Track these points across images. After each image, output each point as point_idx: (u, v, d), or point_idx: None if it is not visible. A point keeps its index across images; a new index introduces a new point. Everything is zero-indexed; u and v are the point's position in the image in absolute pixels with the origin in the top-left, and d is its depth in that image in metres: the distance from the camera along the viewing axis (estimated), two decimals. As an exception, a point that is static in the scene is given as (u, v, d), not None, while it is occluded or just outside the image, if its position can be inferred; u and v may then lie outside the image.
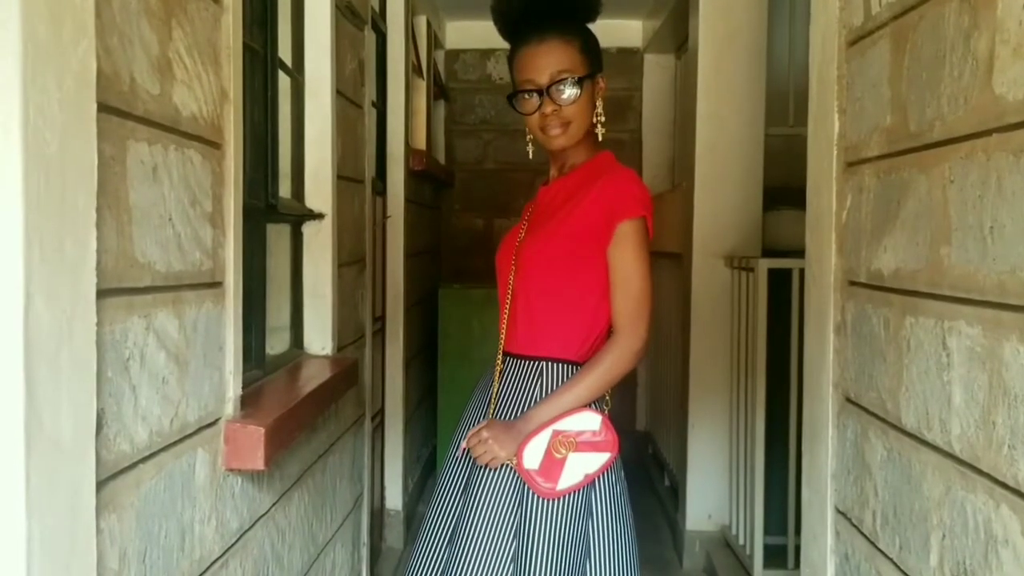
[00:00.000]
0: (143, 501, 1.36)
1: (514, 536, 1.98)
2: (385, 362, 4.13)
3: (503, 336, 2.09)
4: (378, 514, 3.99)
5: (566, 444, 1.96)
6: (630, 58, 5.99)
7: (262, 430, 1.71)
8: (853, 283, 1.96)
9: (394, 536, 4.15)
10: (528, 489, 1.98)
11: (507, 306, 2.08)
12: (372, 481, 3.60)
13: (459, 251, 5.80)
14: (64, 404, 1.08)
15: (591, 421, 1.99)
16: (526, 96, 2.04)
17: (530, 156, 2.13)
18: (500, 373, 2.08)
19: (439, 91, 5.72)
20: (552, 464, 1.96)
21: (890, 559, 1.74)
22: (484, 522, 1.99)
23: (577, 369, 2.01)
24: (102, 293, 1.20)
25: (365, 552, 3.28)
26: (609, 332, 2.05)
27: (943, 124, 1.55)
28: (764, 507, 3.59)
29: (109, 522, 1.25)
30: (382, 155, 4.10)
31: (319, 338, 2.66)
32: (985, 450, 1.39)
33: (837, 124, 2.05)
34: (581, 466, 1.98)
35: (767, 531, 3.62)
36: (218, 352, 1.69)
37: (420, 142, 4.80)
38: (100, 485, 1.20)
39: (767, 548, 3.61)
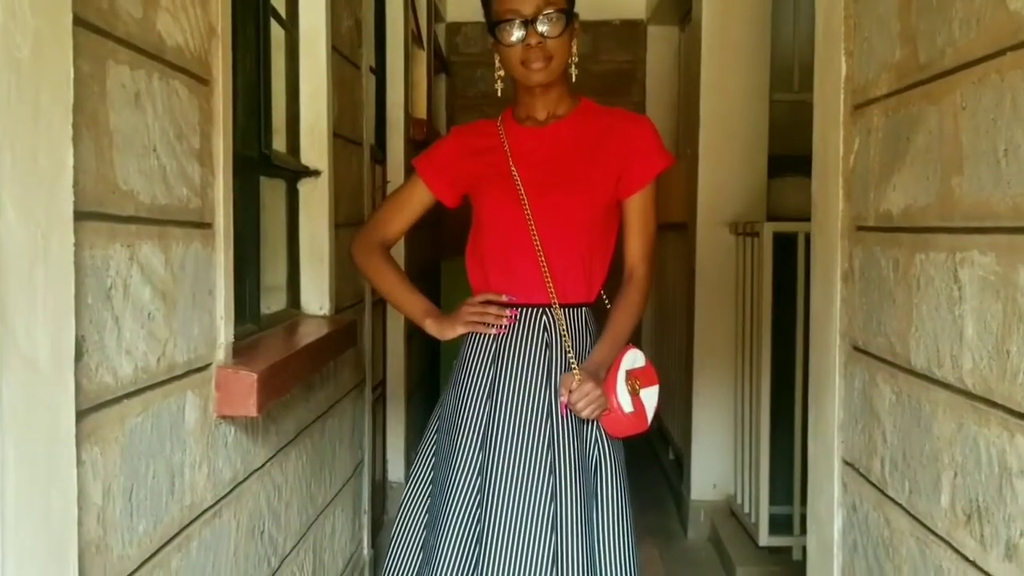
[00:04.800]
0: (128, 438, 1.32)
1: (552, 528, 1.92)
2: (386, 333, 4.10)
3: (552, 289, 2.00)
4: (380, 486, 3.96)
5: (636, 382, 2.00)
6: (633, 30, 5.94)
7: (254, 375, 1.67)
8: (861, 228, 1.91)
9: (396, 509, 4.11)
10: (566, 464, 1.94)
11: (540, 261, 2.00)
12: (373, 452, 3.57)
13: (461, 225, 5.73)
14: (40, 324, 1.04)
15: (639, 357, 2.05)
16: (508, 27, 1.98)
17: (499, 94, 2.09)
18: (556, 325, 2.01)
19: (440, 64, 5.67)
20: (637, 404, 1.99)
21: (899, 505, 1.69)
22: (518, 510, 1.92)
23: (590, 310, 2.07)
24: (82, 216, 1.16)
25: (366, 520, 3.24)
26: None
27: (955, 50, 1.50)
28: (769, 477, 3.55)
29: (91, 454, 1.21)
30: (381, 124, 4.05)
31: (316, 298, 2.61)
32: (999, 381, 1.34)
33: (844, 67, 2.00)
34: (650, 400, 2.04)
35: (772, 501, 3.58)
36: (208, 296, 1.64)
37: (421, 112, 4.75)
38: (81, 415, 1.16)
39: (772, 518, 3.57)
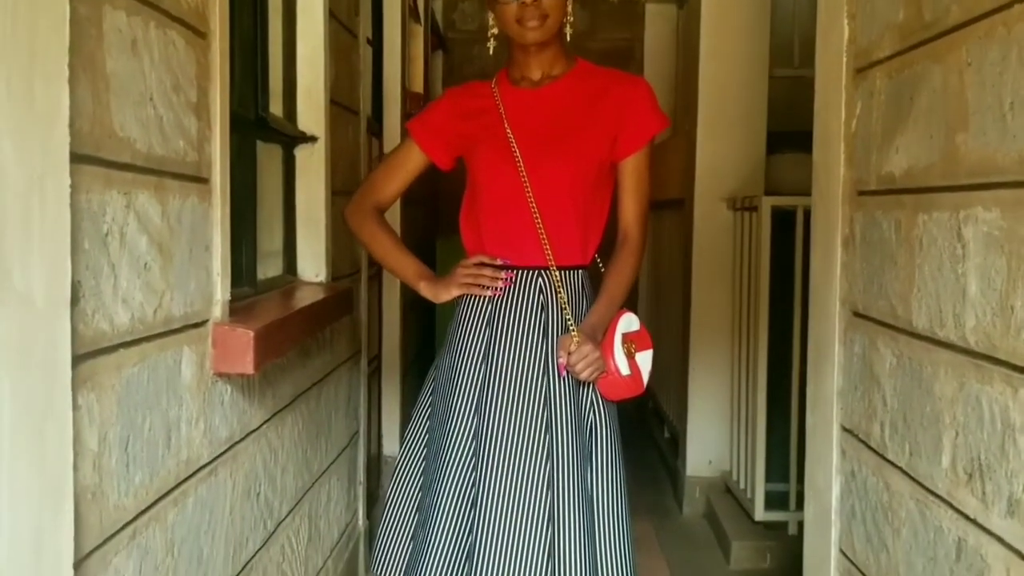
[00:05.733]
0: (125, 387, 1.30)
1: (547, 489, 1.92)
2: (382, 308, 4.08)
3: (548, 251, 1.99)
4: (375, 461, 3.95)
5: (632, 345, 2.00)
6: (631, 8, 5.91)
7: (251, 333, 1.65)
8: (862, 193, 1.90)
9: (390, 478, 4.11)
10: (562, 423, 1.93)
11: (536, 223, 1.98)
12: (369, 426, 3.56)
13: (457, 201, 5.71)
14: (35, 263, 1.02)
15: (634, 321, 2.04)
16: None
17: (490, 52, 2.06)
18: (552, 287, 2.00)
19: (437, 41, 5.64)
20: (633, 367, 1.99)
21: (899, 468, 1.69)
22: (514, 483, 1.91)
23: (586, 272, 2.06)
24: (78, 158, 1.14)
25: (362, 491, 3.24)
26: None
27: (960, 6, 1.48)
28: (766, 453, 3.55)
29: (88, 400, 1.19)
30: (378, 97, 4.03)
31: (313, 264, 2.60)
32: (1003, 337, 1.33)
33: (847, 30, 1.98)
34: (646, 364, 2.04)
35: (768, 479, 3.58)
36: (204, 252, 1.63)
37: (418, 87, 4.73)
38: (78, 360, 1.15)
39: (768, 495, 3.57)
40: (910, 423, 1.65)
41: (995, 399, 1.35)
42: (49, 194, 1.05)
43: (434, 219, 5.32)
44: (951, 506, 1.47)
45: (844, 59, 1.99)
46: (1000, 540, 1.32)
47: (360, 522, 3.23)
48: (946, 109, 1.53)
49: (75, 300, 1.14)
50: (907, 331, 1.66)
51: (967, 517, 1.42)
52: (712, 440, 4.08)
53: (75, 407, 1.14)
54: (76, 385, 1.14)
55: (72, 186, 1.11)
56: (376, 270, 3.91)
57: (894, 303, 1.72)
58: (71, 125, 1.10)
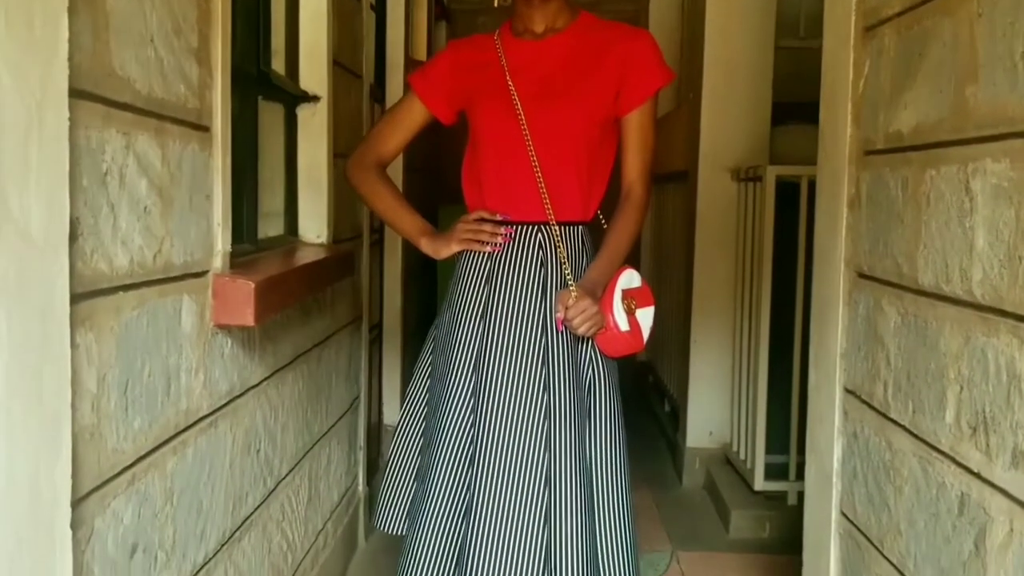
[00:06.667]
0: (124, 329, 1.29)
1: (546, 448, 1.91)
2: (384, 276, 4.07)
3: (548, 206, 1.97)
4: (375, 429, 3.95)
5: (632, 301, 1.98)
6: (637, -21, 5.86)
7: (252, 284, 1.64)
8: (869, 152, 1.89)
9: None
10: (560, 381, 1.92)
11: (536, 177, 1.97)
12: (370, 393, 3.56)
13: (459, 170, 5.69)
14: (33, 195, 1.01)
15: (635, 277, 2.03)
16: None
17: (495, 4, 2.05)
18: (552, 243, 1.99)
19: (441, 11, 5.60)
20: (633, 323, 1.98)
21: (901, 426, 1.68)
22: (512, 440, 1.90)
23: (587, 229, 2.04)
24: (77, 93, 1.13)
25: (362, 457, 3.24)
26: None
27: (972, -43, 1.46)
28: (766, 427, 3.54)
29: (86, 339, 1.18)
30: (381, 65, 4.00)
31: (314, 226, 2.58)
32: (1010, 288, 1.32)
33: (856, -12, 1.96)
34: (646, 320, 2.03)
35: (768, 451, 3.57)
36: (205, 201, 1.61)
37: (420, 55, 4.70)
38: (76, 298, 1.14)
39: (768, 467, 3.57)
40: (914, 381, 1.64)
41: (1001, 351, 1.34)
42: (48, 125, 1.04)
43: (436, 186, 5.29)
44: (954, 461, 1.47)
45: (853, 18, 1.96)
46: (1004, 492, 1.31)
47: (360, 487, 3.24)
48: (956, 62, 1.51)
49: (73, 237, 1.13)
50: (912, 289, 1.65)
51: (970, 471, 1.41)
52: (713, 412, 4.08)
53: (73, 345, 1.12)
54: (75, 324, 1.13)
55: (71, 120, 1.09)
56: (378, 237, 3.90)
57: (900, 262, 1.71)
58: (70, 59, 1.09)
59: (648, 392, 5.49)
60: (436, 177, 5.20)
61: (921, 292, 1.62)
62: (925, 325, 1.60)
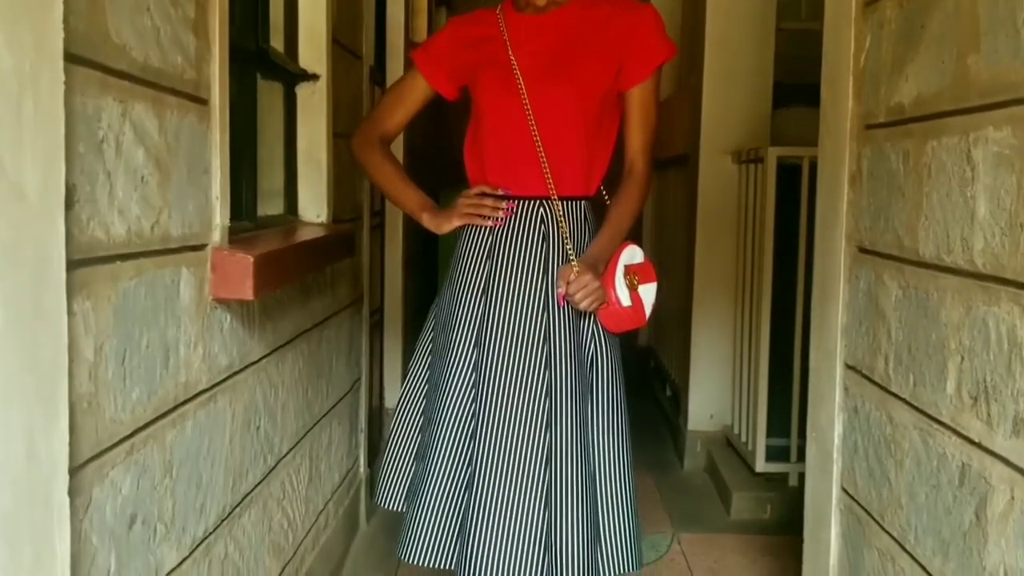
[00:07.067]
0: (122, 299, 1.29)
1: (547, 425, 1.90)
2: (384, 260, 4.07)
3: (550, 180, 1.96)
4: (377, 413, 3.95)
5: (635, 277, 1.97)
6: (637, -36, 5.83)
7: (250, 258, 1.64)
8: (870, 127, 1.88)
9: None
10: (562, 357, 1.92)
11: (538, 151, 1.95)
12: (371, 377, 3.55)
13: (462, 153, 5.68)
14: (28, 158, 1.00)
15: (638, 253, 2.02)
16: None
17: None
18: (553, 218, 1.98)
19: (441, -4, 5.58)
20: (635, 299, 1.97)
21: (902, 399, 1.68)
22: (513, 412, 1.90)
23: (589, 204, 2.03)
24: (72, 58, 1.12)
25: (363, 439, 3.24)
26: None
27: (974, -77, 1.45)
28: (767, 409, 3.54)
29: (83, 307, 1.18)
30: (381, 48, 3.99)
31: (314, 205, 2.58)
32: (1012, 256, 1.31)
33: (857, -38, 1.95)
34: (648, 296, 2.02)
35: (769, 434, 3.57)
36: (204, 174, 1.61)
37: (421, 38, 4.68)
38: (73, 265, 1.13)
39: (769, 449, 3.57)
40: (915, 353, 1.63)
41: (1002, 319, 1.33)
42: (43, 88, 1.03)
43: (439, 171, 5.28)
44: (955, 432, 1.46)
45: (854, -9, 1.95)
46: (1005, 461, 1.30)
47: (361, 469, 3.24)
48: (958, 31, 1.50)
49: (70, 204, 1.12)
50: (913, 261, 1.64)
51: (971, 441, 1.41)
52: (714, 395, 4.07)
53: (70, 312, 1.12)
54: (71, 291, 1.12)
55: (66, 85, 1.08)
56: (379, 221, 3.89)
57: (901, 235, 1.70)
58: (65, 23, 1.08)
59: (650, 377, 5.49)
60: (438, 161, 5.19)
61: (922, 264, 1.61)
62: (926, 297, 1.60)
